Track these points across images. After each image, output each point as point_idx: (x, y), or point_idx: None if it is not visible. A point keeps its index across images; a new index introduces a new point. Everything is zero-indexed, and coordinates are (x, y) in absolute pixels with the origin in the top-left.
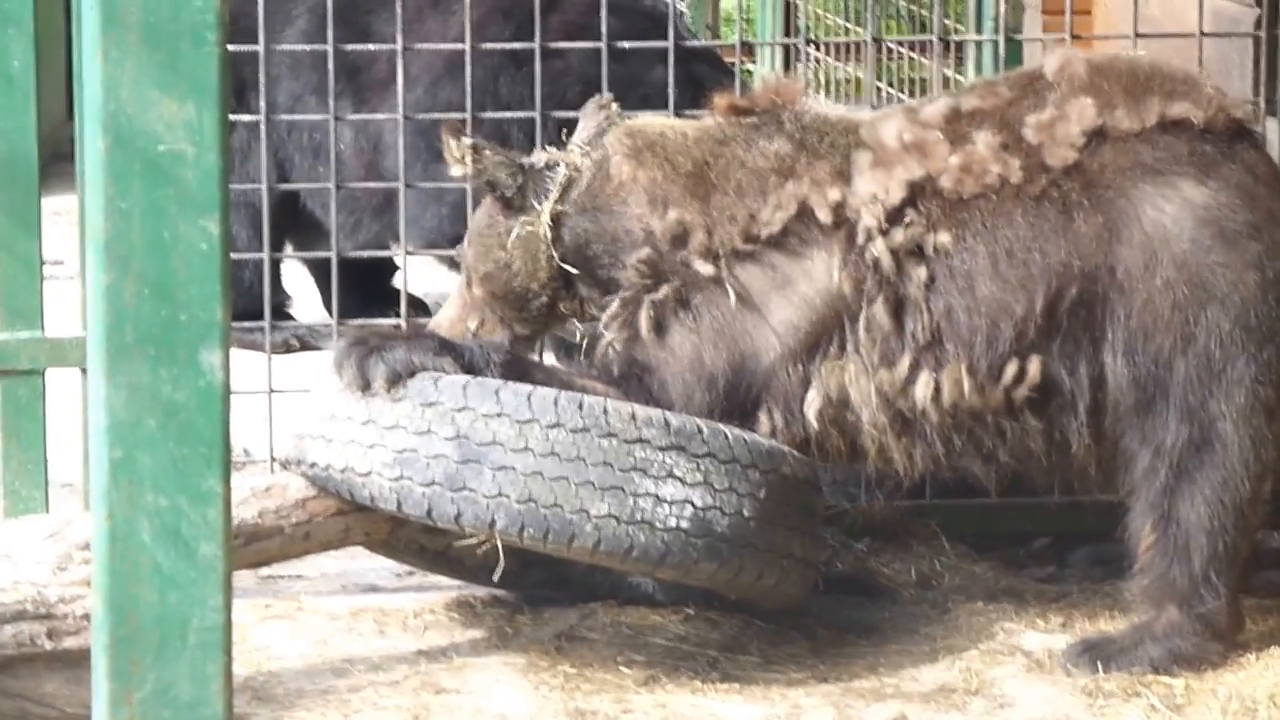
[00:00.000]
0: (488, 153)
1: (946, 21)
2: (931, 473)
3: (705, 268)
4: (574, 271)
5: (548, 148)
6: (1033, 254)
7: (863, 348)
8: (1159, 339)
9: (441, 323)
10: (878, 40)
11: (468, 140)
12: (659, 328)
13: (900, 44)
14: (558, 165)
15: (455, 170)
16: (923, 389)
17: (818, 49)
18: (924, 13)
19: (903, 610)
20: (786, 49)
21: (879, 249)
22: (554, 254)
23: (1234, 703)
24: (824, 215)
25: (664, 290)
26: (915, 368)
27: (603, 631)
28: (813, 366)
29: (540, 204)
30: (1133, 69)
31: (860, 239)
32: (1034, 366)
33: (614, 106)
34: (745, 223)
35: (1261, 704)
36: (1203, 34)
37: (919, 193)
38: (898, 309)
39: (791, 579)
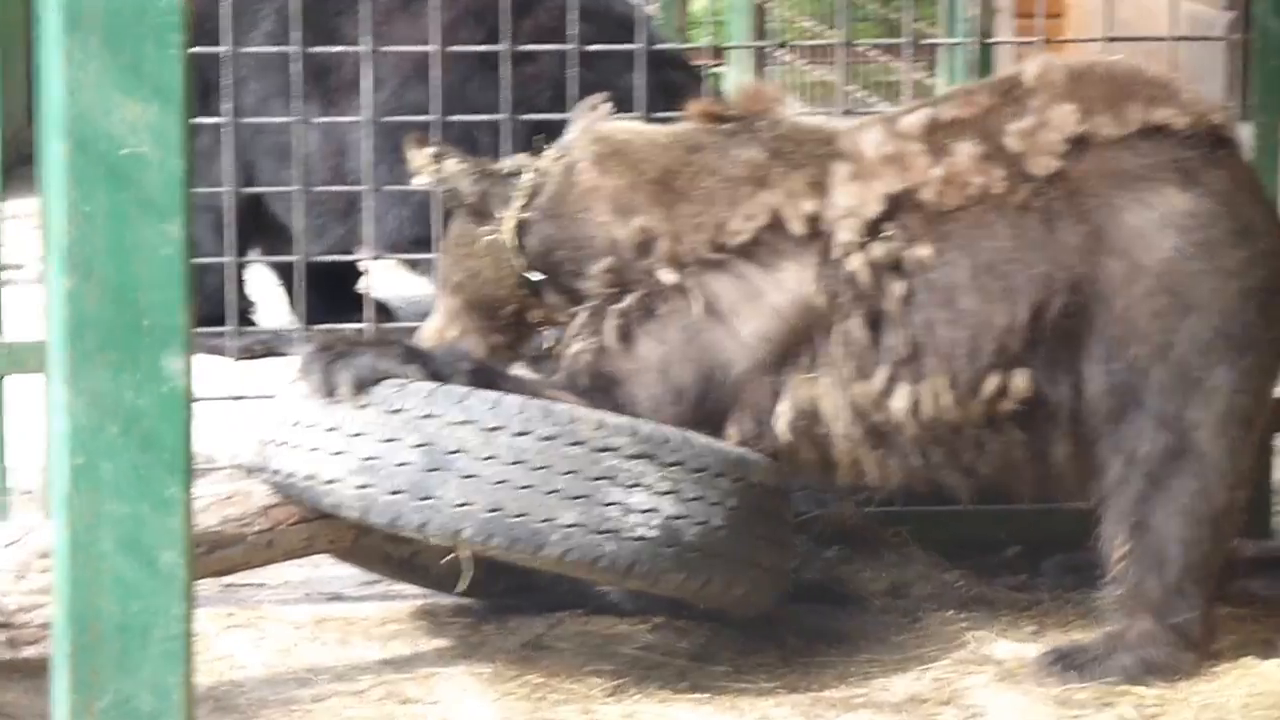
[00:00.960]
0: (450, 160)
1: (918, 25)
2: (904, 483)
3: (671, 276)
4: (539, 278)
5: (515, 155)
6: (1015, 266)
7: (836, 361)
8: (1137, 347)
9: (426, 333)
10: (849, 44)
11: (430, 149)
12: (625, 338)
13: (872, 47)
14: (523, 171)
15: (419, 179)
16: (900, 402)
17: (789, 52)
18: (896, 16)
19: (873, 619)
20: (757, 52)
21: (856, 264)
22: (519, 261)
23: (1207, 713)
24: (797, 227)
25: (629, 300)
26: (893, 381)
27: (570, 641)
28: (783, 378)
29: (505, 211)
30: (1113, 75)
31: (836, 253)
32: (1019, 380)
33: (605, 108)
34: (713, 231)
35: (1234, 714)
36: (1176, 38)
37: (898, 206)
38: (874, 323)
39: (761, 588)
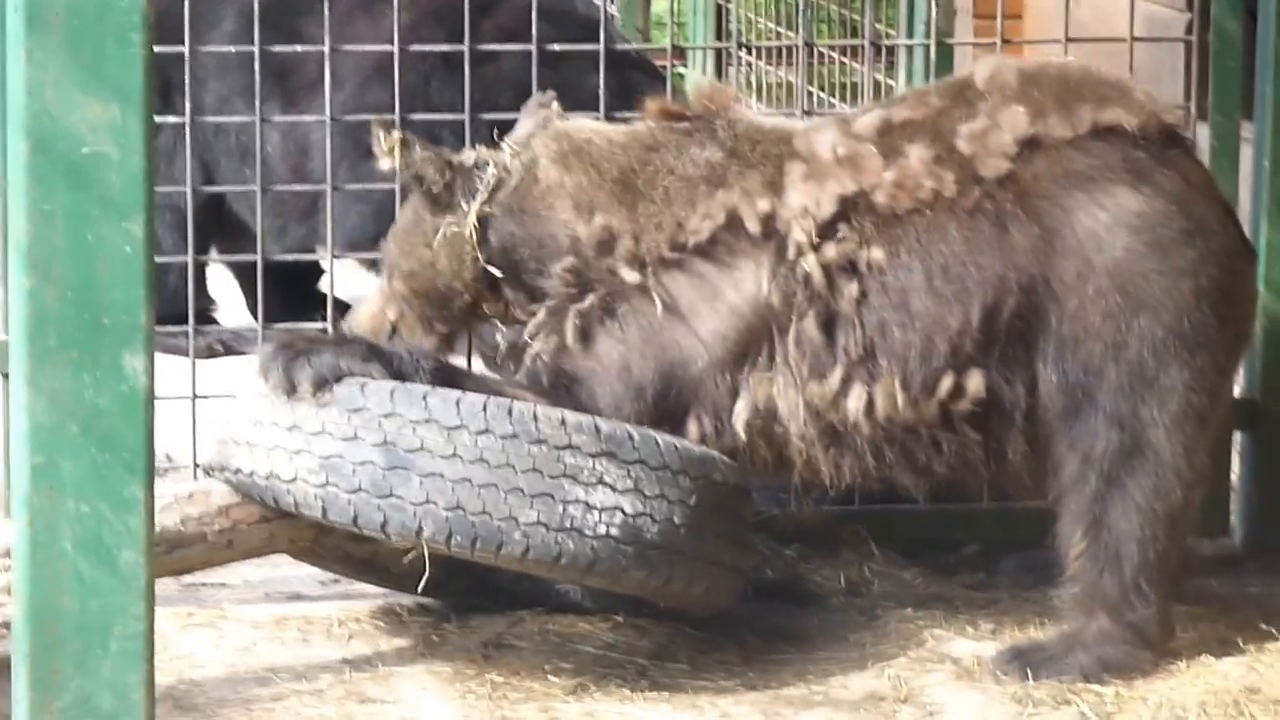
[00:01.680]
0: (417, 148)
1: (878, 26)
2: (859, 482)
3: (631, 275)
4: (499, 274)
5: (478, 146)
6: (968, 268)
7: (792, 360)
8: (1090, 346)
9: (361, 317)
10: (809, 45)
11: (397, 134)
12: (585, 337)
13: (832, 49)
14: (487, 165)
15: (384, 164)
16: (855, 402)
17: (749, 53)
18: (856, 17)
19: (832, 617)
20: (718, 53)
21: (810, 264)
22: (479, 256)
23: (1164, 711)
24: (753, 226)
25: (589, 299)
26: (847, 381)
27: (530, 640)
28: (741, 377)
29: (467, 204)
30: (1063, 76)
31: (791, 253)
32: (974, 381)
33: (555, 105)
34: (672, 230)
35: (1192, 712)
36: (1134, 39)
37: (851, 207)
38: (828, 324)
39: (721, 586)
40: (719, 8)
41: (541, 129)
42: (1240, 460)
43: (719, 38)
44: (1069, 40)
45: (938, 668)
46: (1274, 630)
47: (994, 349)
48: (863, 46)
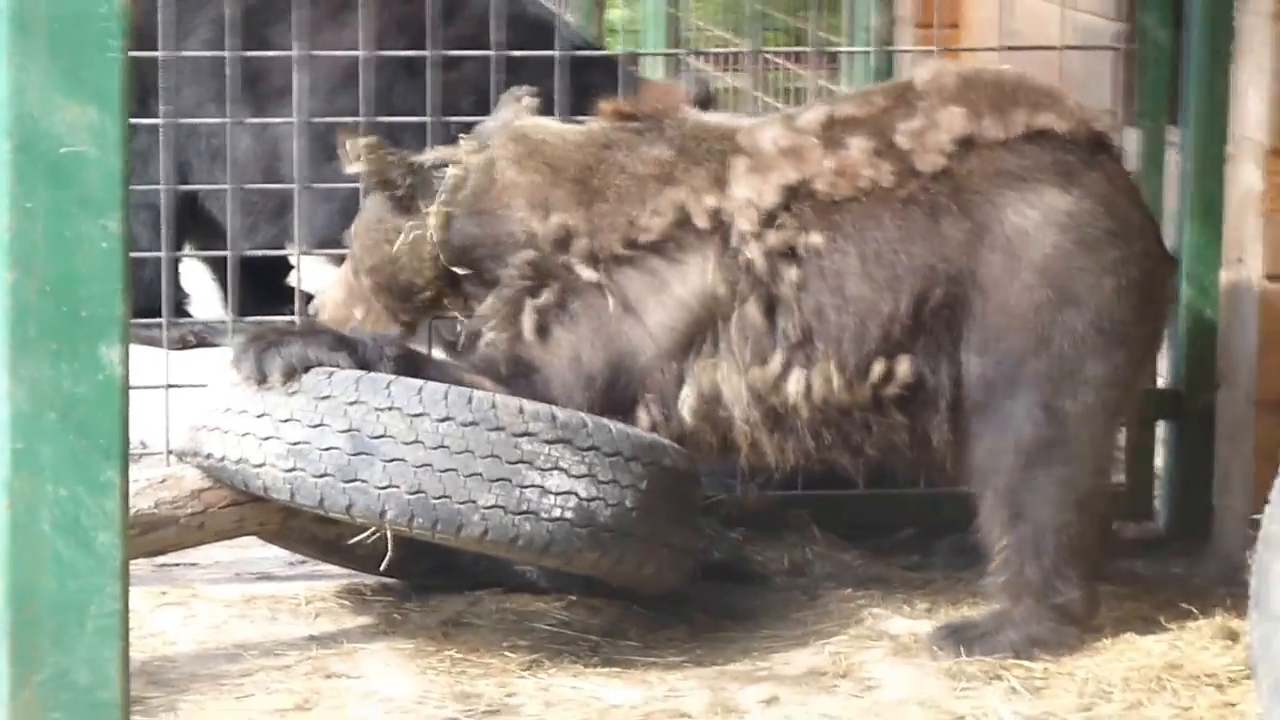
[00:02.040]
0: (382, 152)
1: (823, 34)
2: (802, 465)
3: (588, 273)
4: (461, 272)
5: (437, 147)
6: (900, 256)
7: (735, 346)
8: (1014, 338)
9: (326, 304)
10: (758, 52)
11: (363, 140)
12: (542, 330)
13: (779, 55)
14: (446, 166)
15: (351, 169)
16: (794, 385)
17: (701, 60)
18: (802, 26)
19: (775, 597)
20: (671, 59)
21: (753, 251)
22: (440, 255)
23: (1090, 685)
24: (701, 221)
25: (546, 294)
26: (787, 365)
27: (488, 618)
28: (687, 365)
29: (427, 206)
30: (999, 82)
31: (735, 242)
32: (902, 366)
33: (526, 100)
34: (625, 228)
35: (1116, 687)
36: (1066, 47)
37: (793, 196)
38: (770, 308)
39: (670, 567)
40: (672, 16)
41: (502, 129)
42: (1164, 448)
43: (672, 45)
44: (1004, 49)
45: (875, 644)
46: (1194, 609)
47: (921, 336)
48: (809, 53)
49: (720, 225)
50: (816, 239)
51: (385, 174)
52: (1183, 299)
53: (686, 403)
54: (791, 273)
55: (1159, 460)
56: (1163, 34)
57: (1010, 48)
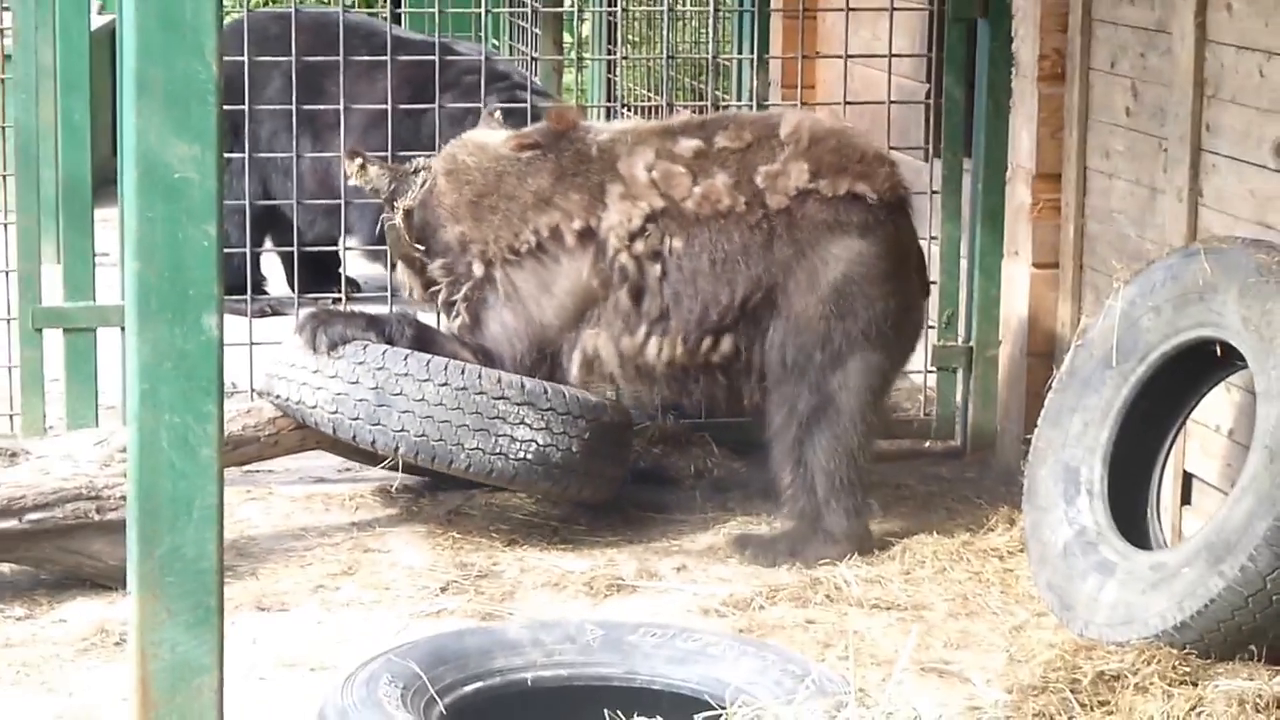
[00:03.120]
0: (371, 166)
1: (718, 92)
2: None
3: (479, 270)
4: (419, 252)
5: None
6: (740, 263)
7: (610, 321)
8: (806, 336)
9: (401, 278)
10: (670, 104)
11: (358, 159)
12: (474, 317)
13: (685, 107)
14: (419, 172)
15: (352, 181)
16: (652, 350)
17: (629, 110)
18: (702, 86)
19: (686, 494)
20: (608, 110)
21: (623, 258)
22: (408, 239)
23: (908, 556)
24: (570, 239)
25: (464, 289)
26: (648, 335)
27: (479, 509)
28: (575, 335)
29: (400, 203)
30: (840, 147)
31: (609, 252)
32: (726, 343)
33: (498, 114)
34: (510, 239)
35: (928, 559)
36: (890, 101)
37: (659, 215)
38: (638, 295)
39: (603, 490)
40: (608, 80)
41: (452, 142)
42: (961, 388)
43: (608, 99)
44: (847, 103)
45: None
46: (983, 503)
47: (742, 322)
48: (706, 106)
49: (593, 239)
50: (678, 244)
51: (373, 183)
52: (975, 281)
53: (575, 362)
54: (656, 269)
55: (958, 397)
56: (958, 92)
57: (851, 102)
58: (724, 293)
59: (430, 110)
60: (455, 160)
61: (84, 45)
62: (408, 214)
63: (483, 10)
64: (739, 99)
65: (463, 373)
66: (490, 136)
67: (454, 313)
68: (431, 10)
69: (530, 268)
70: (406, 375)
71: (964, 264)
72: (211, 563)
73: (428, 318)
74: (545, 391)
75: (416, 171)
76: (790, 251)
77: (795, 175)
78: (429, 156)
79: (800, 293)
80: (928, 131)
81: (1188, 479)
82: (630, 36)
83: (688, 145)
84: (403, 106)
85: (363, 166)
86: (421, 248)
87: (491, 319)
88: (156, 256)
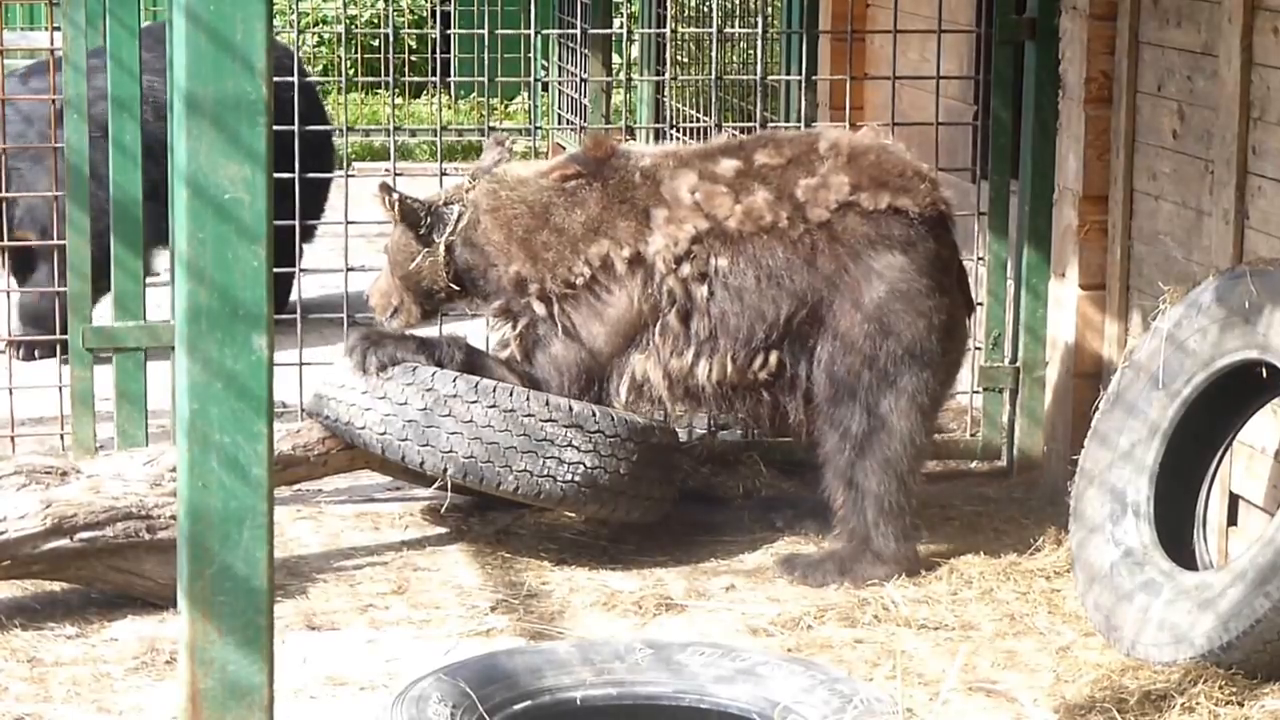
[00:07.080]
0: (406, 202)
1: (765, 113)
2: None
3: (540, 308)
4: (459, 288)
5: (447, 188)
6: (784, 279)
7: (659, 345)
8: (852, 356)
9: (374, 293)
10: (719, 125)
11: (394, 195)
12: (525, 353)
13: (734, 128)
14: (453, 205)
15: (385, 215)
16: (702, 371)
17: (678, 132)
18: (750, 107)
19: (734, 514)
20: (657, 131)
21: (671, 283)
22: (447, 274)
23: (955, 576)
24: (621, 267)
25: (520, 324)
26: (697, 356)
27: (528, 529)
28: (625, 360)
29: (439, 237)
30: (880, 161)
31: (657, 277)
32: (773, 359)
33: (507, 142)
34: (565, 274)
35: (974, 578)
36: (938, 123)
37: (705, 236)
38: (686, 318)
39: (650, 512)
40: (657, 100)
41: (486, 173)
42: (1009, 408)
43: (658, 120)
44: (895, 124)
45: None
46: (1030, 523)
47: (788, 339)
48: (755, 127)
49: (641, 265)
50: (724, 262)
51: (409, 218)
52: (1022, 302)
53: (624, 386)
54: (703, 290)
55: (1005, 417)
56: (1006, 114)
57: (899, 123)
58: (770, 309)
59: None
60: (498, 197)
61: (134, 66)
62: (449, 249)
63: (532, 32)
64: (788, 120)
65: (511, 395)
66: (525, 169)
67: (503, 343)
68: (481, 31)
69: (585, 300)
70: (455, 396)
71: (1011, 285)
72: (262, 582)
73: (477, 341)
74: (593, 414)
75: (449, 204)
76: (833, 267)
77: (835, 188)
78: (456, 188)
79: (845, 310)
80: (975, 153)
81: (1234, 500)
82: (679, 58)
83: (728, 165)
84: None
85: (399, 203)
86: (459, 285)
87: (544, 353)
88: (207, 276)
